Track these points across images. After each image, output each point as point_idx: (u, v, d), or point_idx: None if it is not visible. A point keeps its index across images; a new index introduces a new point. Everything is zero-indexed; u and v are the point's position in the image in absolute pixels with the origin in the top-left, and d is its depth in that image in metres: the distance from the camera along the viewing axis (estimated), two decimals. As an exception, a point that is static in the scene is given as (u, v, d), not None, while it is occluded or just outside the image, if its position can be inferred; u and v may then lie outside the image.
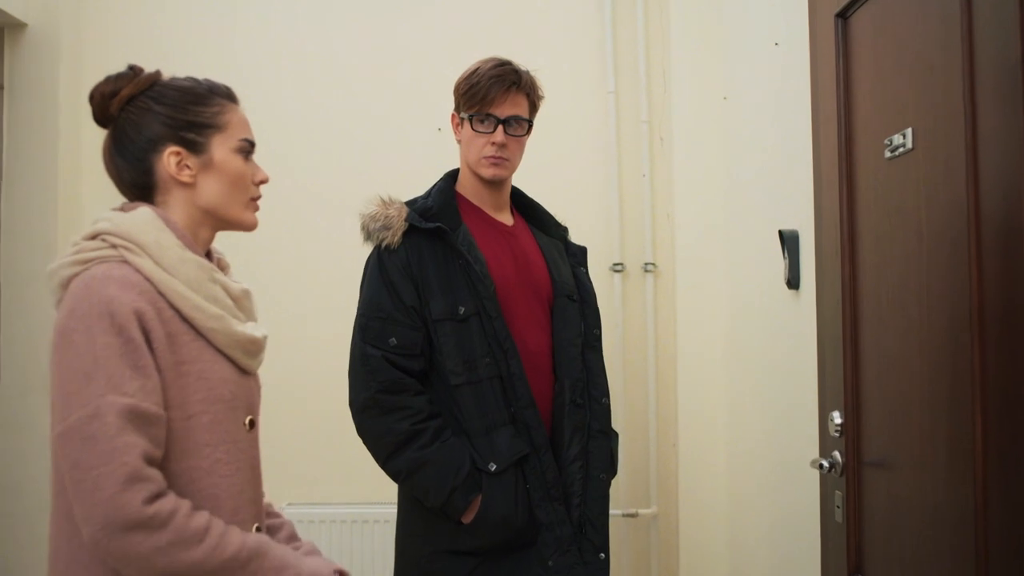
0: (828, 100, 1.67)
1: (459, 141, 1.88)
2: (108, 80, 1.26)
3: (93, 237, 1.20)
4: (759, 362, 2.45)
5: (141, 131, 1.24)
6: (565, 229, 2.03)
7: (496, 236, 1.86)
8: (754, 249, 2.46)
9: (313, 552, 1.35)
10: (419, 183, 1.92)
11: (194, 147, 1.25)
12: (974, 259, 1.21)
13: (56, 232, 2.75)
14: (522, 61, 1.87)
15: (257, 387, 1.34)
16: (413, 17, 2.94)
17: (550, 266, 1.89)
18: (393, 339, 1.73)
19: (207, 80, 1.30)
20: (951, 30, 1.26)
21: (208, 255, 1.31)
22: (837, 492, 1.64)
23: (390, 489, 1.85)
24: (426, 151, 2.74)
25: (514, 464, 1.72)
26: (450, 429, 1.73)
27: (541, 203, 2.01)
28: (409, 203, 1.83)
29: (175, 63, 1.43)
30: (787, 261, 2.14)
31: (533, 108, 1.87)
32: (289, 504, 2.75)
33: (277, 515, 1.41)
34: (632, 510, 2.81)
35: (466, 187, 1.89)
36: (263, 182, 1.33)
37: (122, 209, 1.25)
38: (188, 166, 1.25)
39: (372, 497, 2.65)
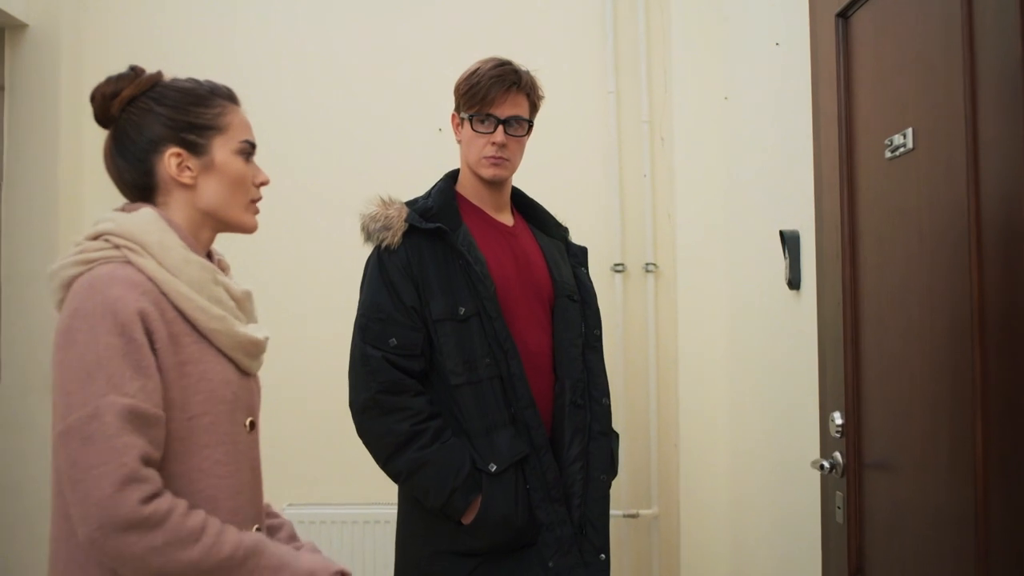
0: (829, 100, 1.67)
1: (459, 141, 1.88)
2: (109, 81, 1.26)
3: (96, 237, 1.19)
4: (760, 362, 2.45)
5: (142, 132, 1.24)
6: (566, 229, 2.03)
7: (496, 236, 1.86)
8: (755, 249, 2.46)
9: (313, 552, 1.35)
10: (419, 183, 1.92)
11: (195, 148, 1.25)
12: (975, 259, 1.20)
13: (57, 232, 2.75)
14: (522, 61, 1.87)
15: (257, 388, 1.34)
16: (413, 17, 2.94)
17: (551, 266, 1.89)
18: (393, 340, 1.73)
19: (208, 81, 1.30)
20: (952, 29, 1.25)
21: (209, 256, 1.31)
22: (838, 493, 1.63)
23: (390, 490, 1.85)
24: (426, 151, 2.74)
25: (514, 465, 1.72)
26: (450, 430, 1.73)
27: (542, 203, 2.00)
28: (409, 203, 1.83)
29: (175, 63, 1.43)
30: (788, 261, 2.14)
31: (533, 108, 1.87)
32: (289, 505, 2.75)
33: (276, 516, 1.41)
34: (633, 511, 2.81)
35: (466, 187, 1.89)
36: (264, 184, 1.33)
37: (124, 210, 1.25)
38: (189, 167, 1.25)
39: (372, 498, 2.64)
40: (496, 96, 1.79)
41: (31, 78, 2.78)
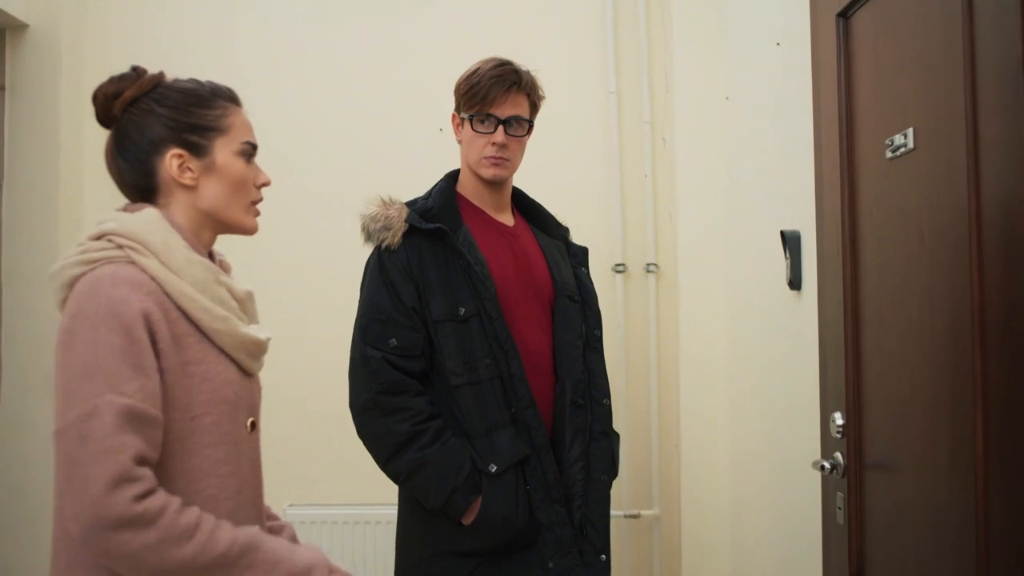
0: (829, 100, 1.67)
1: (459, 141, 1.88)
2: (111, 81, 1.26)
3: (99, 237, 1.19)
4: (761, 363, 2.45)
5: (143, 133, 1.24)
6: (566, 229, 2.02)
7: (497, 237, 1.86)
8: (756, 249, 2.46)
9: (312, 550, 1.34)
10: (419, 183, 1.92)
11: (196, 150, 1.25)
12: (975, 260, 1.20)
13: (57, 233, 2.75)
14: (522, 61, 1.87)
15: (258, 389, 1.34)
16: (413, 17, 2.94)
17: (551, 267, 1.89)
18: (393, 340, 1.73)
19: (210, 82, 1.30)
20: (952, 29, 1.25)
21: (210, 257, 1.31)
22: (839, 494, 1.63)
23: (390, 490, 1.85)
24: (426, 151, 2.74)
25: (515, 465, 1.72)
26: (450, 430, 1.72)
27: (542, 203, 2.00)
28: (409, 204, 1.83)
29: (175, 63, 1.43)
30: (788, 261, 2.13)
31: (534, 108, 1.87)
32: (290, 505, 2.75)
33: (276, 518, 1.41)
34: (634, 511, 2.81)
35: (467, 188, 1.88)
36: (265, 185, 1.33)
37: (126, 210, 1.25)
38: (190, 168, 1.25)
39: (372, 498, 2.64)
40: (496, 96, 1.79)
41: (31, 78, 2.78)
